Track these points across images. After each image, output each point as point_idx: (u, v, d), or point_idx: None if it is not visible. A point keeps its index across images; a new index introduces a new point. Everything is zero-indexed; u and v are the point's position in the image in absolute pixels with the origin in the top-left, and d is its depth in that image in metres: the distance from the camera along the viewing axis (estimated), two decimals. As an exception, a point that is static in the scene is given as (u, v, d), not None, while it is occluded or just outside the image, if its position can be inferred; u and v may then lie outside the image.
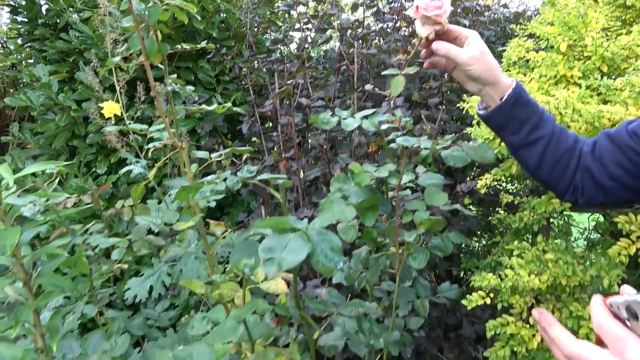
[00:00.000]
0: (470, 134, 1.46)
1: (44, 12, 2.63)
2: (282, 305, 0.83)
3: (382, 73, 0.98)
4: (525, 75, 1.55)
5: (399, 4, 2.07)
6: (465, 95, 1.46)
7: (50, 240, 1.11)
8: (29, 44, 2.84)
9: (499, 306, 1.41)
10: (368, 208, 0.84)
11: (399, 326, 1.09)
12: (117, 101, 1.51)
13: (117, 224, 2.20)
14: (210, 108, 1.12)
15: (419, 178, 0.94)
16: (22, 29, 2.80)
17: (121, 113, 1.50)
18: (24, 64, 3.16)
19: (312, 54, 2.71)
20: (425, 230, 0.92)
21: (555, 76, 1.33)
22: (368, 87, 0.94)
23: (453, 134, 0.88)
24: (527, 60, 1.63)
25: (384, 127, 0.82)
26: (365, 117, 0.81)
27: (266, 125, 2.32)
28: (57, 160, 2.53)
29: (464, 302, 1.35)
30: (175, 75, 1.06)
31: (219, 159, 0.98)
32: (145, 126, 1.20)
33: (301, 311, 0.78)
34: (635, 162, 0.82)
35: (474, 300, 1.33)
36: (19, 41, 3.15)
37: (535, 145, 0.87)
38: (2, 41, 3.19)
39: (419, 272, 1.17)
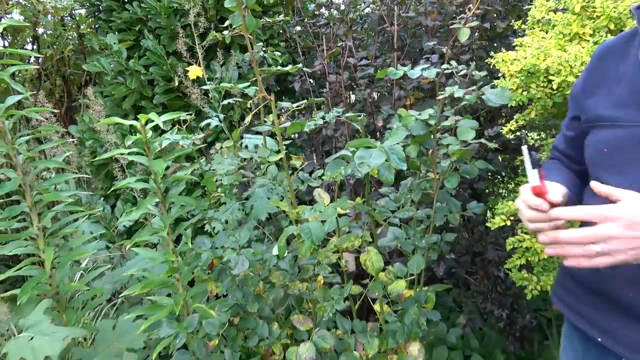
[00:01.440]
0: (498, 85, 1.71)
1: (109, -15, 2.89)
2: (357, 205, 1.16)
3: (451, 27, 1.25)
4: (546, 32, 1.77)
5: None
6: (492, 52, 1.71)
7: (169, 173, 1.46)
8: (95, 15, 3.15)
9: (518, 232, 1.70)
10: (414, 142, 1.14)
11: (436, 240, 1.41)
12: (199, 65, 1.82)
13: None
14: (286, 69, 1.41)
15: (459, 122, 1.23)
16: (87, 2, 3.10)
17: (202, 75, 1.81)
18: (86, 33, 3.50)
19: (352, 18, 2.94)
20: (456, 158, 1.22)
21: (570, 34, 1.57)
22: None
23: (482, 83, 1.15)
24: (550, 19, 1.85)
25: (447, 71, 1.12)
26: (424, 69, 1.10)
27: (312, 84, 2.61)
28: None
29: (488, 224, 1.65)
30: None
31: (299, 108, 1.29)
32: (231, 84, 1.51)
33: (370, 209, 1.10)
34: None
35: (496, 222, 1.63)
36: (83, 12, 3.48)
37: None
38: (71, 12, 3.52)
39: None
